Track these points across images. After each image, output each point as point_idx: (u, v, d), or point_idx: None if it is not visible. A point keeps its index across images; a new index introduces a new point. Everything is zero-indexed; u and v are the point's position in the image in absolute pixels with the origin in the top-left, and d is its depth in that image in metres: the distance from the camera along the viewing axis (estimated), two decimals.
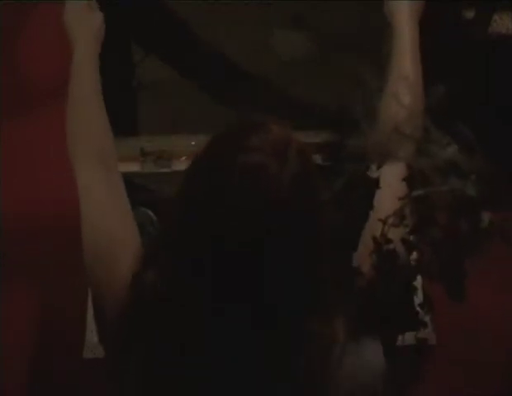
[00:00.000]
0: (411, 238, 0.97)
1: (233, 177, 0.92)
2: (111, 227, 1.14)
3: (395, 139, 1.00)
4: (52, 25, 2.41)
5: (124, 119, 1.67)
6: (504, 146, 2.16)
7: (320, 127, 1.69)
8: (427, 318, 0.99)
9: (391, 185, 1.06)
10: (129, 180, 1.66)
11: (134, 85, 1.65)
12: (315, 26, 1.62)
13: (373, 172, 1.07)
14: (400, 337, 0.98)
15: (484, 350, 1.90)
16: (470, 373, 1.87)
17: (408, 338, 1.00)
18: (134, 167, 1.65)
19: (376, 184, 1.04)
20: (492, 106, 2.23)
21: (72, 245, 1.94)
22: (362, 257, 1.02)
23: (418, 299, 0.99)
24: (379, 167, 1.04)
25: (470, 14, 2.42)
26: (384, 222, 0.97)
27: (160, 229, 1.08)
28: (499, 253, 0.94)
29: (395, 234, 0.99)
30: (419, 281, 1.08)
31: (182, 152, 1.65)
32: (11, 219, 2.04)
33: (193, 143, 1.67)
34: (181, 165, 1.65)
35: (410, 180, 0.97)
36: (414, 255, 0.98)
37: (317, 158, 1.66)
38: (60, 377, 1.79)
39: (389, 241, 0.97)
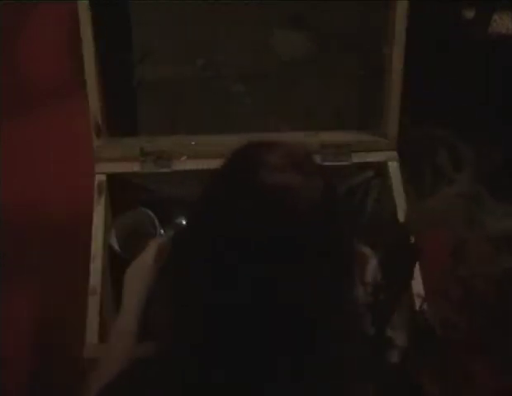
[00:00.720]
0: (454, 316, 0.94)
1: (255, 199, 0.88)
2: None
3: (445, 206, 0.95)
4: (52, 25, 2.43)
5: (124, 119, 1.68)
6: (504, 146, 2.16)
7: (320, 127, 1.69)
8: None
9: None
10: (129, 180, 1.66)
11: (134, 85, 1.65)
12: (315, 26, 1.62)
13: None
14: None
15: None
16: None
17: None
18: (134, 167, 1.65)
19: (418, 252, 0.99)
20: (492, 106, 2.23)
21: (72, 245, 1.94)
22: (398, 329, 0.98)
23: None
24: (422, 235, 0.99)
25: (470, 14, 2.42)
26: (424, 299, 0.93)
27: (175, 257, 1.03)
28: None
29: (436, 311, 0.96)
30: None
31: (182, 152, 1.65)
32: (11, 219, 2.04)
33: (193, 143, 1.67)
34: (181, 165, 1.65)
35: (458, 255, 0.93)
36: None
37: (317, 158, 1.67)
38: (60, 377, 1.79)
39: (428, 319, 0.93)
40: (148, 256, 1.29)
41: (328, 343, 0.91)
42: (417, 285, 1.39)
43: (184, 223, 1.73)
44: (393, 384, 0.93)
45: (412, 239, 0.99)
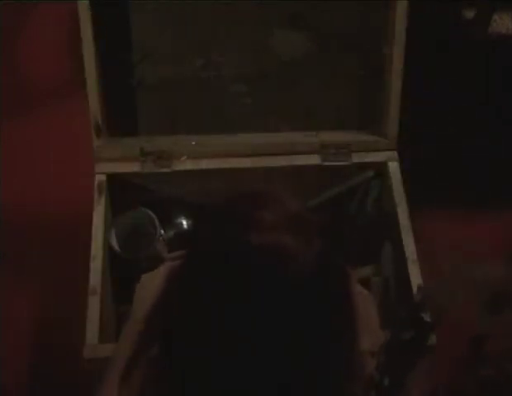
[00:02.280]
0: None
1: (248, 260, 0.83)
2: None
3: (468, 290, 0.90)
4: (52, 25, 2.43)
5: (124, 119, 1.68)
6: (504, 146, 2.16)
7: (320, 127, 1.69)
8: None
9: None
10: (129, 180, 1.66)
11: (134, 85, 1.65)
12: (315, 26, 1.62)
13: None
14: None
15: None
16: None
17: None
18: (134, 167, 1.65)
19: (430, 329, 0.95)
20: (492, 106, 2.23)
21: (72, 245, 1.94)
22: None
23: None
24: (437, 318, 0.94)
25: (470, 14, 2.42)
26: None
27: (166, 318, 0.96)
28: None
29: None
30: None
31: (182, 152, 1.65)
32: (11, 219, 2.04)
33: (193, 143, 1.67)
34: (181, 165, 1.65)
35: (478, 350, 0.87)
36: None
37: (316, 158, 1.67)
38: (60, 377, 1.79)
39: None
40: (158, 277, 1.21)
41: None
42: None
43: (184, 223, 1.73)
44: None
45: (427, 316, 0.95)
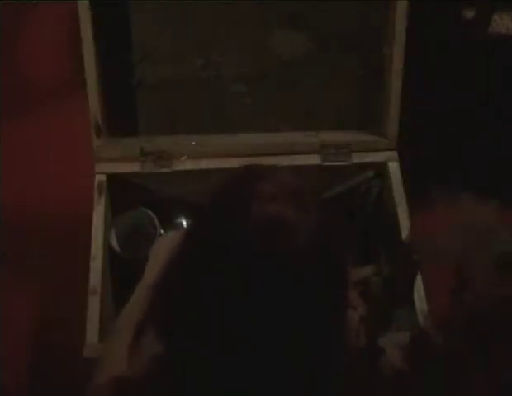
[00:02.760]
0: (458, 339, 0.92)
1: (249, 230, 0.85)
2: None
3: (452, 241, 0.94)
4: (52, 25, 2.43)
5: (124, 119, 1.68)
6: (504, 146, 2.16)
7: (320, 127, 1.69)
8: None
9: None
10: (129, 180, 1.66)
11: (134, 85, 1.65)
12: (315, 26, 1.62)
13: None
14: None
15: None
16: None
17: None
18: (134, 167, 1.65)
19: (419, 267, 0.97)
20: (492, 106, 2.23)
21: (72, 245, 1.94)
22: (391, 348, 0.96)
23: None
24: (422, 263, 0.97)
25: (470, 14, 2.42)
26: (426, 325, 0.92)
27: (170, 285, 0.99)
28: None
29: (441, 334, 0.93)
30: None
31: (182, 152, 1.65)
32: (11, 219, 2.04)
33: (193, 143, 1.67)
34: (181, 165, 1.65)
35: (462, 278, 0.91)
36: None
37: (316, 158, 1.67)
38: (60, 377, 1.79)
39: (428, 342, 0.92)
40: (170, 243, 1.25)
41: (320, 361, 0.90)
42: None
43: (184, 223, 1.73)
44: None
45: (414, 256, 0.98)
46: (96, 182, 1.62)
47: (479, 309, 0.90)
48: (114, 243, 1.61)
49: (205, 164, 1.65)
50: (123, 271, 1.59)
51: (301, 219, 0.86)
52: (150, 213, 1.65)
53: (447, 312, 0.95)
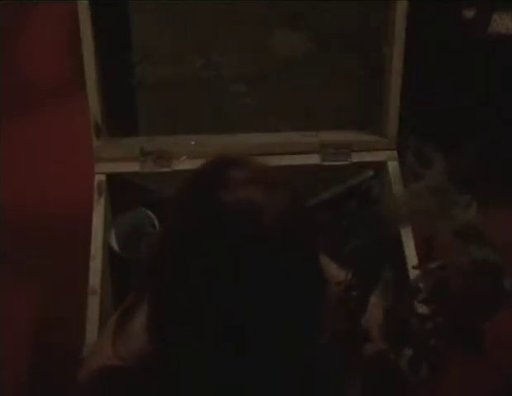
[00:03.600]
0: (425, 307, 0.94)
1: (219, 215, 0.89)
2: None
3: (413, 201, 0.96)
4: (52, 25, 2.43)
5: (124, 119, 1.68)
6: (504, 146, 2.16)
7: (320, 127, 1.69)
8: None
9: None
10: (129, 180, 1.66)
11: (134, 85, 1.65)
12: (315, 26, 1.62)
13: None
14: None
15: None
16: None
17: None
18: (134, 167, 1.65)
19: (391, 247, 0.99)
20: (492, 106, 2.23)
21: (72, 245, 1.94)
22: (370, 324, 0.98)
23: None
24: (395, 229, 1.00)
25: (470, 14, 2.42)
26: (396, 293, 0.94)
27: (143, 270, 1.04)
28: None
29: (407, 305, 0.95)
30: None
31: (181, 152, 1.65)
32: (11, 219, 2.04)
33: (193, 143, 1.67)
34: (181, 165, 1.65)
35: (427, 248, 0.93)
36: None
37: (316, 158, 1.67)
38: (60, 377, 1.79)
39: (400, 311, 0.94)
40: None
41: (301, 345, 0.92)
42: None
43: None
44: (375, 375, 0.94)
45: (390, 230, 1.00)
46: (96, 182, 1.62)
47: (444, 277, 0.92)
48: (114, 243, 1.61)
49: None
50: (123, 271, 1.59)
51: (268, 201, 0.89)
52: (150, 213, 1.65)
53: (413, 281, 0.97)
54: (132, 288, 1.16)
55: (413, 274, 1.39)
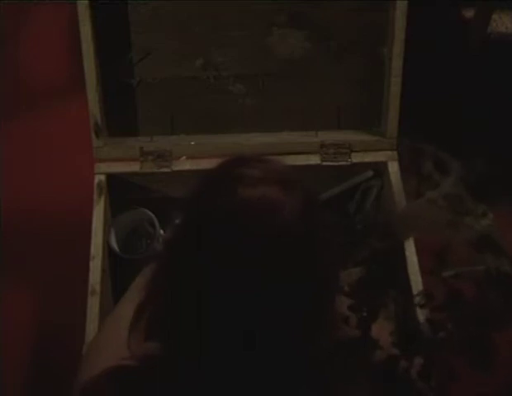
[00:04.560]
0: (439, 316, 0.94)
1: (235, 211, 0.89)
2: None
3: (428, 209, 0.96)
4: (52, 25, 2.43)
5: (124, 119, 1.68)
6: (504, 146, 2.16)
7: (320, 127, 1.69)
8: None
9: None
10: (128, 180, 1.66)
11: (134, 85, 1.65)
12: (316, 26, 1.62)
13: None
14: None
15: None
16: None
17: None
18: (134, 167, 1.65)
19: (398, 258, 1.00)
20: (492, 106, 2.23)
21: (72, 245, 1.94)
22: (381, 332, 0.98)
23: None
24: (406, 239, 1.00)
25: (470, 14, 2.42)
26: (408, 301, 0.94)
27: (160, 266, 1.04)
28: None
29: (420, 313, 0.96)
30: None
31: (181, 152, 1.65)
32: (11, 218, 2.04)
33: (193, 143, 1.67)
34: (181, 165, 1.65)
35: (441, 257, 0.93)
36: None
37: (316, 158, 1.67)
38: (60, 377, 1.79)
39: (412, 320, 0.94)
40: None
41: (313, 352, 0.92)
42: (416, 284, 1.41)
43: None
44: (385, 382, 0.94)
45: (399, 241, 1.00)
46: (95, 182, 1.62)
47: (458, 286, 0.92)
48: (113, 244, 1.61)
49: (204, 164, 1.64)
50: (123, 271, 1.59)
51: (286, 198, 0.90)
52: (150, 213, 1.65)
53: (427, 289, 0.96)
54: (138, 287, 1.16)
55: (416, 282, 1.40)
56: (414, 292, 1.31)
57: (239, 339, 0.90)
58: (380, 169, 1.68)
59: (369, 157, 1.67)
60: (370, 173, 1.69)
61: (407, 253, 1.46)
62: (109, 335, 1.18)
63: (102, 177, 1.63)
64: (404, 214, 1.02)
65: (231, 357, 0.91)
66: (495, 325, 0.89)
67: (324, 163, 1.66)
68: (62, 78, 2.31)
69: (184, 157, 1.65)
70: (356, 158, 1.67)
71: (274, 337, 0.90)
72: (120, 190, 1.65)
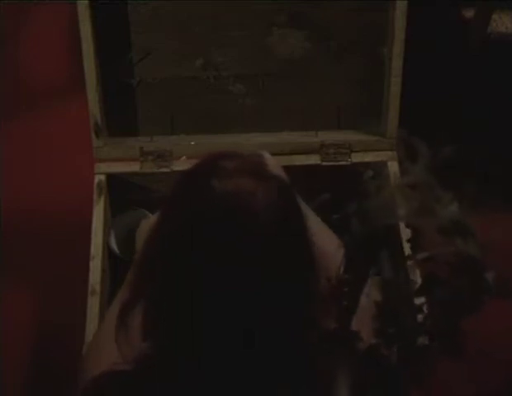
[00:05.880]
0: (417, 300, 0.94)
1: (211, 204, 0.92)
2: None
3: (397, 197, 0.97)
4: (52, 25, 2.43)
5: (124, 119, 1.68)
6: (504, 145, 2.16)
7: (320, 127, 1.69)
8: None
9: None
10: (128, 180, 1.66)
11: (134, 85, 1.65)
12: (316, 26, 1.62)
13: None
14: None
15: None
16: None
17: None
18: (133, 167, 1.65)
19: (380, 244, 1.01)
20: (492, 106, 2.23)
21: (72, 245, 1.94)
22: (361, 322, 0.99)
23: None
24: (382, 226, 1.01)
25: (470, 14, 2.42)
26: (387, 286, 0.94)
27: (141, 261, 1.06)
28: None
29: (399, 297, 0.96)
30: None
31: (181, 152, 1.65)
32: (11, 218, 2.04)
33: (193, 143, 1.67)
34: (181, 165, 1.65)
35: (414, 241, 0.94)
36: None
37: (316, 158, 1.67)
38: (60, 377, 1.79)
39: (393, 305, 0.94)
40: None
41: (292, 343, 0.94)
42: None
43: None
44: (367, 375, 0.95)
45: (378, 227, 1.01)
46: (95, 182, 1.62)
47: (430, 268, 0.93)
48: (113, 244, 1.61)
49: None
50: (122, 271, 1.59)
51: (259, 188, 0.92)
52: (150, 213, 1.65)
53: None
54: (127, 283, 1.17)
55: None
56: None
57: (233, 336, 0.91)
58: (380, 169, 1.68)
59: (369, 157, 1.67)
60: (370, 173, 1.69)
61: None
62: (108, 331, 1.18)
63: (102, 177, 1.63)
64: (378, 202, 1.03)
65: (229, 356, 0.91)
66: (463, 310, 0.90)
67: (324, 163, 1.66)
68: (62, 78, 2.31)
69: (184, 157, 1.65)
70: (356, 158, 1.67)
71: (267, 333, 0.92)
72: (120, 190, 1.65)
